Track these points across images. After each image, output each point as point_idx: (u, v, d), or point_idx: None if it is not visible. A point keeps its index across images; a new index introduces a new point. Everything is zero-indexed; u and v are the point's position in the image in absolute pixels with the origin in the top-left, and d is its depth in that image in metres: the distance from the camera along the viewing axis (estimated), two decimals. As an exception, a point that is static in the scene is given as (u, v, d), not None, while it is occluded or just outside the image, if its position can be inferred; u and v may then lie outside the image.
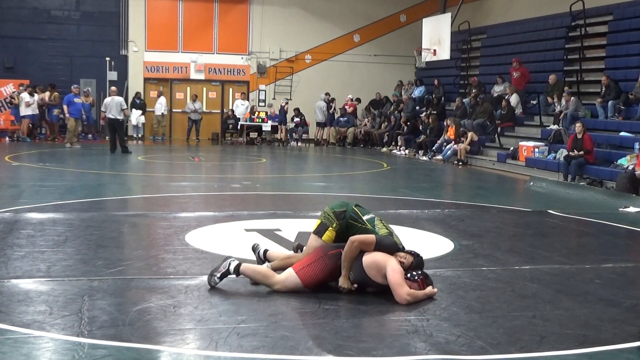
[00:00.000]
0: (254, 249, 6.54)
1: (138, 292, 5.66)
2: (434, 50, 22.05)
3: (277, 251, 6.71)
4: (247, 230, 8.56)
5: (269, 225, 8.89)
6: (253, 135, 26.13)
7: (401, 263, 5.72)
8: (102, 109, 21.37)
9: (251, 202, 11.82)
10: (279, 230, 8.56)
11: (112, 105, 19.82)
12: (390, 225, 6.18)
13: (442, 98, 24.05)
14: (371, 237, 5.77)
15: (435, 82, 24.55)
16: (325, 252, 5.85)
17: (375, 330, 5.04)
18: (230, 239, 8.07)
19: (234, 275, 5.82)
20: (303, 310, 5.35)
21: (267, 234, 8.27)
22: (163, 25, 26.66)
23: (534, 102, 20.18)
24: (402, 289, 5.52)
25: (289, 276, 5.75)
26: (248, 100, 26.87)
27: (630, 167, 13.41)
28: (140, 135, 25.65)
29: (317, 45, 27.73)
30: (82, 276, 6.09)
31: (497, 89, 21.82)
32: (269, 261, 6.30)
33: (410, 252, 5.87)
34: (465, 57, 24.82)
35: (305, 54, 27.77)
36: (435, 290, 5.71)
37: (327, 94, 26.47)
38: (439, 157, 20.62)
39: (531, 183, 15.02)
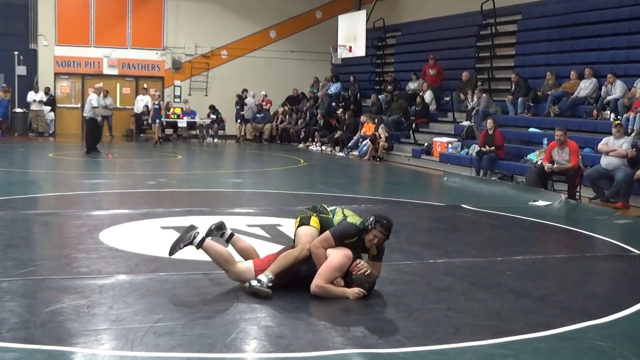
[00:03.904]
0: (219, 227, 6.13)
1: (50, 293, 5.52)
2: (350, 47, 22.19)
3: (243, 241, 6.27)
4: (163, 227, 8.45)
5: (185, 222, 8.75)
6: (168, 131, 25.72)
7: (375, 241, 5.73)
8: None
9: (167, 200, 11.65)
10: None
11: (87, 103, 19.02)
12: (350, 211, 6.16)
13: (358, 94, 24.27)
14: (325, 233, 5.75)
15: (351, 78, 24.74)
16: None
17: (293, 325, 5.03)
18: (146, 237, 7.95)
19: (195, 247, 5.77)
20: (220, 307, 5.32)
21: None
22: (74, 19, 25.90)
23: (447, 98, 20.58)
24: (317, 279, 5.54)
25: (247, 267, 5.71)
26: (162, 96, 26.42)
27: (539, 162, 13.82)
28: (51, 132, 24.96)
29: (233, 41, 27.52)
30: (-10, 277, 5.89)
31: (412, 86, 22.15)
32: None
33: (374, 227, 5.73)
34: (380, 54, 25.11)
35: (221, 49, 27.52)
36: (357, 290, 5.57)
37: (244, 90, 26.33)
38: (355, 153, 20.80)
39: (445, 178, 15.31)
